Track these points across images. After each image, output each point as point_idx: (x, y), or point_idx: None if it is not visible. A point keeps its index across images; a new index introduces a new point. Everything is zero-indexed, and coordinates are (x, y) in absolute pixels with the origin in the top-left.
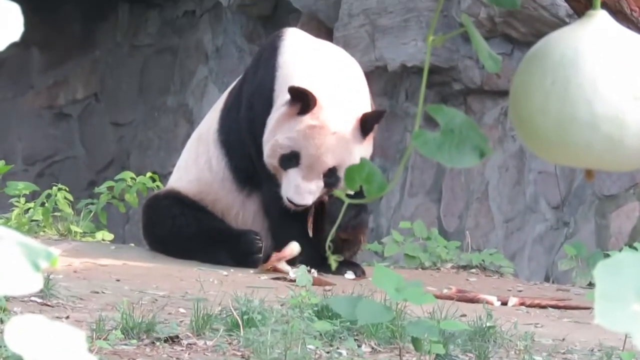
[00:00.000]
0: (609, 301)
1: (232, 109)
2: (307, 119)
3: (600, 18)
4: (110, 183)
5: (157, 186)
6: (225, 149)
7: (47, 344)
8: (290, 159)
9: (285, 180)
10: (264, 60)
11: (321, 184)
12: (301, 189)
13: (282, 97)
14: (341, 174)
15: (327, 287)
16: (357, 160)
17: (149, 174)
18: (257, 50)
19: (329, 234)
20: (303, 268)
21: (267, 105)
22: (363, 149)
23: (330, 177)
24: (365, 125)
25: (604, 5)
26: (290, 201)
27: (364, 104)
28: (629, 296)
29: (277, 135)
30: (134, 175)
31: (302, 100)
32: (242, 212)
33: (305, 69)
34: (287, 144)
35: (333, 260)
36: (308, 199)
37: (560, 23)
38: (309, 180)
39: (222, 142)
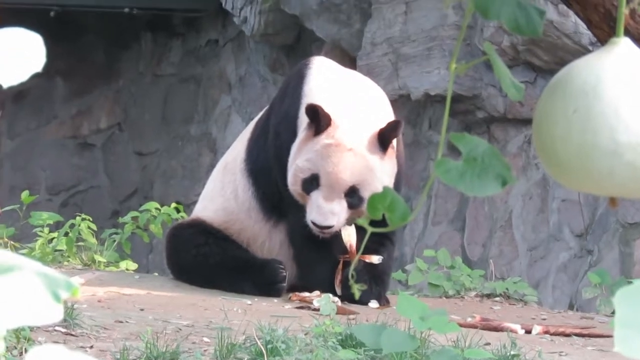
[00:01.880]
0: (629, 329)
1: (259, 139)
2: (323, 139)
3: (623, 46)
4: (134, 213)
5: (182, 216)
6: (252, 178)
7: None
8: (311, 182)
9: (308, 204)
10: (291, 89)
11: (344, 204)
12: (323, 210)
13: (304, 122)
14: (364, 193)
15: (351, 316)
16: (378, 177)
17: (173, 205)
18: (282, 79)
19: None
20: (327, 297)
21: (293, 133)
22: (384, 165)
23: (353, 196)
24: (383, 139)
25: (627, 33)
26: (314, 223)
27: (383, 121)
28: None
29: (297, 160)
30: (158, 206)
31: (317, 119)
32: (268, 241)
33: (328, 95)
34: (306, 167)
35: (356, 289)
36: (331, 220)
37: (583, 51)
38: (330, 201)
39: (248, 172)
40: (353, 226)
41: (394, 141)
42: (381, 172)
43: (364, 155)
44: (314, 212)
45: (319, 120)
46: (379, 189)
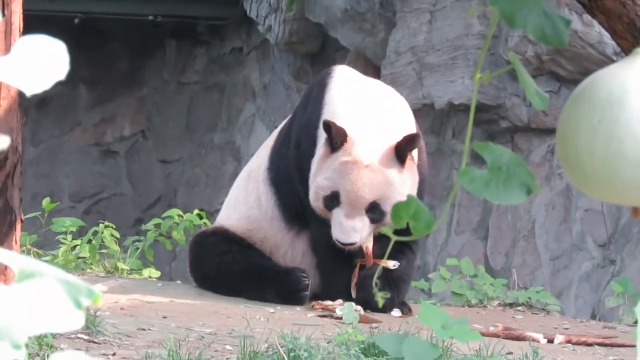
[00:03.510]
0: None
1: (282, 147)
2: (340, 156)
3: None
4: (157, 220)
5: (205, 223)
6: (275, 187)
7: None
8: (332, 200)
9: (332, 220)
10: (313, 98)
11: (366, 220)
12: (345, 228)
13: (323, 134)
14: (385, 207)
15: (374, 325)
16: (398, 191)
17: (196, 212)
18: (305, 87)
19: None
20: (349, 305)
21: (313, 142)
22: (403, 178)
23: (374, 212)
24: (400, 153)
25: None
26: (337, 241)
27: (402, 133)
28: None
29: (317, 177)
30: (181, 213)
31: (334, 136)
32: (290, 250)
33: (348, 105)
34: (326, 185)
35: (380, 298)
36: (354, 237)
37: (608, 61)
38: (352, 218)
39: (271, 180)
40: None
41: (415, 152)
42: (400, 186)
43: (382, 170)
44: (337, 229)
45: (336, 136)
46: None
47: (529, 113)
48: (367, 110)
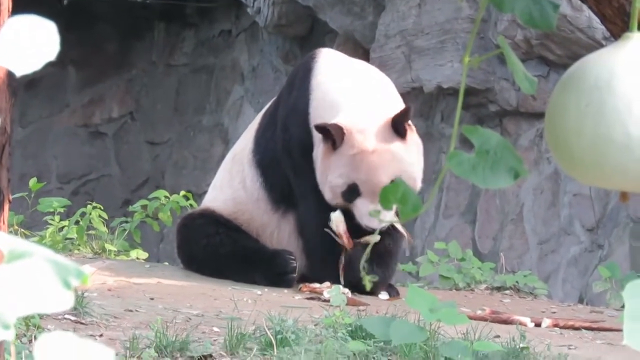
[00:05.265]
0: (638, 322)
1: (268, 129)
2: (345, 150)
3: (636, 40)
4: (144, 202)
5: (191, 205)
6: (260, 169)
7: None
8: (352, 193)
9: (355, 210)
10: (298, 81)
11: None
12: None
13: (319, 118)
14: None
15: (361, 308)
16: (409, 161)
17: (182, 193)
18: (291, 70)
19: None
20: (337, 288)
21: (302, 127)
22: (409, 149)
23: None
24: (397, 127)
25: None
26: (368, 227)
27: (392, 112)
28: None
29: (328, 177)
30: (167, 194)
31: (331, 136)
32: (277, 231)
33: (336, 93)
34: (341, 182)
35: (367, 281)
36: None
37: (597, 45)
38: (377, 203)
39: (257, 162)
40: (339, 212)
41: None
42: (410, 157)
43: (388, 150)
44: (366, 218)
45: (333, 137)
46: (416, 172)
47: (518, 97)
48: (356, 94)
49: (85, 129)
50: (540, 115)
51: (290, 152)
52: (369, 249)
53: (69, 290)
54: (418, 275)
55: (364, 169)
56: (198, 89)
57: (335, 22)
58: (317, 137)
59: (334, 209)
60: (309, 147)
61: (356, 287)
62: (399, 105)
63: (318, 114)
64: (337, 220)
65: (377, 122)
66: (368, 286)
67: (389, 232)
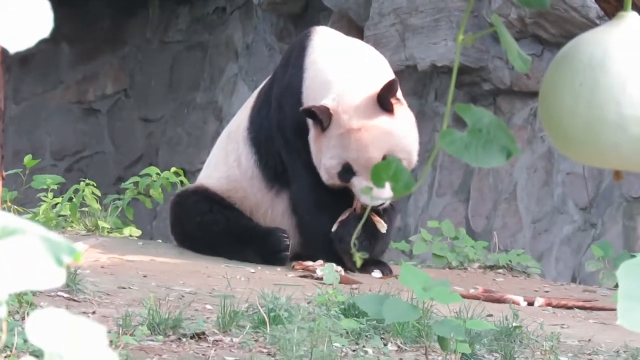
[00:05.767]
0: (631, 301)
1: (262, 108)
2: (333, 131)
3: (630, 20)
4: (135, 179)
5: (182, 181)
6: (255, 147)
7: (68, 338)
8: (347, 172)
9: (354, 188)
10: (293, 60)
11: None
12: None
13: (311, 98)
14: (399, 155)
15: (354, 286)
16: (399, 135)
17: (173, 169)
18: (286, 48)
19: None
20: (330, 266)
21: (297, 105)
22: (398, 123)
23: None
24: (383, 102)
25: (635, 7)
26: (366, 204)
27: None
28: None
29: (322, 159)
30: (158, 171)
31: (318, 119)
32: (270, 210)
33: (329, 72)
34: (334, 162)
35: (358, 258)
36: (386, 195)
37: (591, 24)
38: None
39: (251, 140)
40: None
41: (399, 94)
42: (399, 129)
43: (375, 126)
44: (364, 196)
45: (320, 119)
46: (409, 145)
47: (512, 76)
48: (349, 73)
49: (79, 106)
50: (534, 94)
51: (284, 131)
52: (360, 226)
53: (61, 267)
54: (411, 254)
55: (354, 147)
56: (192, 66)
57: (329, 0)
58: (306, 100)
59: (327, 187)
60: (302, 126)
61: (348, 254)
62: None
63: (311, 94)
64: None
65: (364, 99)
66: (358, 263)
67: (385, 208)
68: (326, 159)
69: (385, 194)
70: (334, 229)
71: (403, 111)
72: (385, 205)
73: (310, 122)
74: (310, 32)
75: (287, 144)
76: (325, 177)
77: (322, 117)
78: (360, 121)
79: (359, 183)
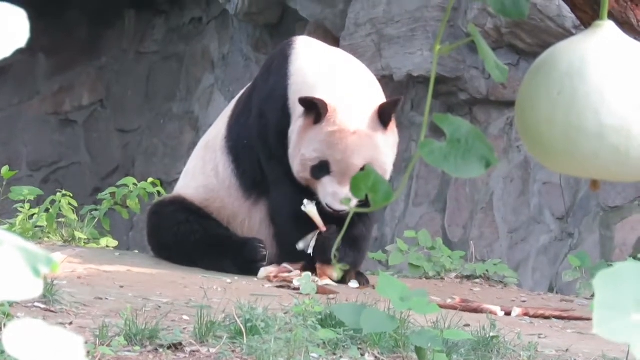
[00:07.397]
0: (608, 311)
1: (241, 116)
2: (325, 126)
3: (606, 29)
4: (112, 189)
5: (158, 192)
6: (233, 156)
7: (45, 349)
8: (321, 169)
9: (320, 188)
10: (275, 68)
11: None
12: (339, 196)
13: (297, 105)
14: (376, 169)
15: (331, 296)
16: (384, 153)
17: (150, 180)
18: (266, 58)
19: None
20: (307, 276)
21: (280, 112)
22: (387, 140)
23: None
24: (384, 115)
25: (611, 16)
26: (329, 207)
27: (378, 98)
28: (628, 306)
29: (302, 149)
30: (135, 181)
31: (315, 109)
32: (248, 219)
33: (317, 76)
34: (314, 156)
35: (338, 269)
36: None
37: (567, 34)
38: (344, 185)
39: (229, 149)
40: (313, 203)
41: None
42: (386, 147)
43: (369, 135)
44: (330, 197)
45: (318, 109)
46: (388, 164)
47: (488, 85)
48: (338, 80)
49: (55, 117)
50: (510, 104)
51: (267, 138)
52: (340, 237)
53: (38, 278)
54: (388, 264)
55: (340, 148)
56: (168, 76)
57: (305, 10)
58: (296, 114)
59: (307, 195)
60: (285, 133)
61: (328, 262)
62: (378, 91)
63: (298, 97)
64: (311, 211)
65: (363, 105)
66: (339, 274)
67: (362, 218)
68: (307, 150)
69: (352, 203)
70: (299, 246)
71: (393, 130)
72: (348, 212)
73: (297, 115)
74: (292, 41)
75: (268, 151)
76: (298, 168)
77: (321, 109)
78: (357, 126)
79: (329, 184)
